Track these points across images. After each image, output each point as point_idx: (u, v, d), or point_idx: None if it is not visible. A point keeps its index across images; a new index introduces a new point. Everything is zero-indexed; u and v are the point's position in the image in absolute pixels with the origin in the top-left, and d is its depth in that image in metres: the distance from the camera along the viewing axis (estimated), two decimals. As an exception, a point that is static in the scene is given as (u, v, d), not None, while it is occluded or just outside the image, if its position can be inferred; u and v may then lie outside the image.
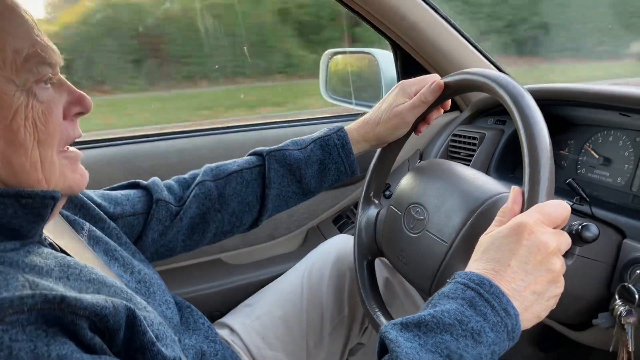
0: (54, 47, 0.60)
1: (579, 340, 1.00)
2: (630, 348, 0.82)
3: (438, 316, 0.56)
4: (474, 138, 1.34)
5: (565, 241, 0.63)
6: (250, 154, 1.00)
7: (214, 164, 0.98)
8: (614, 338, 0.84)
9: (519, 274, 0.59)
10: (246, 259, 1.48)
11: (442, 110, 0.99)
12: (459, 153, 1.39)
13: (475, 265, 0.61)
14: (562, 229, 0.64)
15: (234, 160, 0.99)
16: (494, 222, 0.66)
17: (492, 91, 0.76)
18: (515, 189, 0.66)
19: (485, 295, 0.57)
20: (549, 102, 1.14)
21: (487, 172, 1.28)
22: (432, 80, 0.92)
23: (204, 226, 0.95)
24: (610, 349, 0.85)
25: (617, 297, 0.84)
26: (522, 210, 0.64)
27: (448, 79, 0.90)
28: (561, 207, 0.62)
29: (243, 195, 0.96)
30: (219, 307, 1.20)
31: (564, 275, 0.62)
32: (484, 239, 0.64)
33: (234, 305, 1.17)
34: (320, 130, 1.00)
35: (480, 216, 0.76)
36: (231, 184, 0.95)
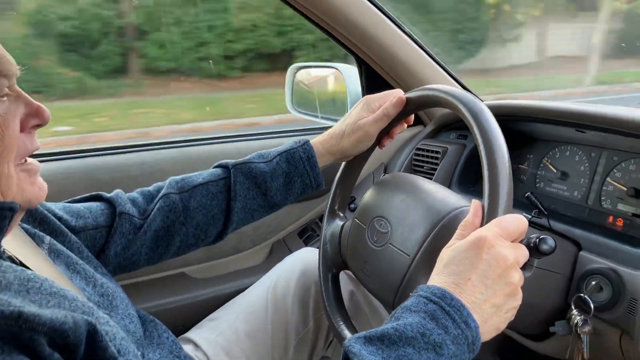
0: (10, 58, 0.58)
1: (538, 350, 1.03)
2: (586, 356, 0.85)
3: (401, 329, 0.57)
4: (436, 152, 1.36)
5: (524, 254, 0.64)
6: (215, 167, 1.00)
7: (178, 177, 0.97)
8: (570, 346, 0.87)
9: (479, 288, 0.60)
10: (211, 272, 1.46)
11: (406, 125, 1.01)
12: (422, 167, 1.41)
13: (437, 278, 0.63)
14: (521, 242, 0.66)
15: (199, 172, 0.98)
16: (455, 236, 0.67)
17: (452, 107, 0.78)
18: (475, 202, 0.68)
19: (447, 308, 0.58)
20: (508, 117, 1.17)
21: (449, 186, 1.31)
22: (395, 95, 0.94)
23: (169, 239, 0.94)
24: (567, 356, 0.88)
25: (573, 307, 0.87)
26: (482, 224, 0.66)
27: (411, 94, 0.92)
28: (519, 221, 0.64)
29: (208, 208, 0.95)
30: (183, 321, 1.18)
31: (522, 287, 0.64)
32: (446, 253, 0.65)
33: (198, 320, 1.15)
34: (286, 143, 1.01)
35: (442, 229, 0.77)
36: (196, 196, 0.94)
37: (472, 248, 0.62)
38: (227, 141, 1.52)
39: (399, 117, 0.96)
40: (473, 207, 0.68)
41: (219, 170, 0.98)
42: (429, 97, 0.87)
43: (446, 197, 0.84)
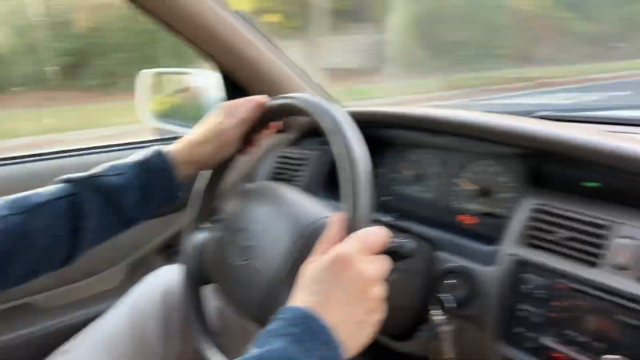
0: None
1: (404, 350, 1.06)
2: (449, 354, 0.88)
3: (265, 356, 0.55)
4: (299, 159, 1.36)
5: (384, 267, 0.64)
6: (58, 182, 0.89)
7: (14, 196, 0.86)
8: (433, 346, 0.90)
9: (341, 306, 0.59)
10: (60, 300, 1.33)
11: (269, 132, 0.99)
12: (285, 175, 1.40)
13: (300, 298, 0.61)
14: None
15: (39, 190, 0.87)
16: (316, 251, 0.65)
17: (311, 114, 0.77)
18: (335, 215, 0.67)
19: (310, 330, 0.56)
20: (365, 124, 1.20)
21: (313, 194, 1.31)
22: (254, 100, 0.92)
23: (7, 267, 0.82)
24: (431, 357, 0.91)
25: (433, 307, 0.90)
26: (342, 238, 0.65)
27: (272, 102, 0.91)
28: (378, 234, 0.64)
29: (52, 229, 0.84)
30: (31, 356, 1.07)
31: None
32: (307, 270, 0.63)
33: (49, 353, 1.04)
34: (139, 153, 0.94)
35: (305, 243, 0.75)
36: (37, 217, 0.83)
37: (332, 266, 0.61)
38: (67, 155, 1.38)
39: (261, 125, 0.94)
40: (332, 220, 0.67)
41: (63, 186, 0.88)
42: (289, 105, 0.86)
43: (309, 207, 0.82)
